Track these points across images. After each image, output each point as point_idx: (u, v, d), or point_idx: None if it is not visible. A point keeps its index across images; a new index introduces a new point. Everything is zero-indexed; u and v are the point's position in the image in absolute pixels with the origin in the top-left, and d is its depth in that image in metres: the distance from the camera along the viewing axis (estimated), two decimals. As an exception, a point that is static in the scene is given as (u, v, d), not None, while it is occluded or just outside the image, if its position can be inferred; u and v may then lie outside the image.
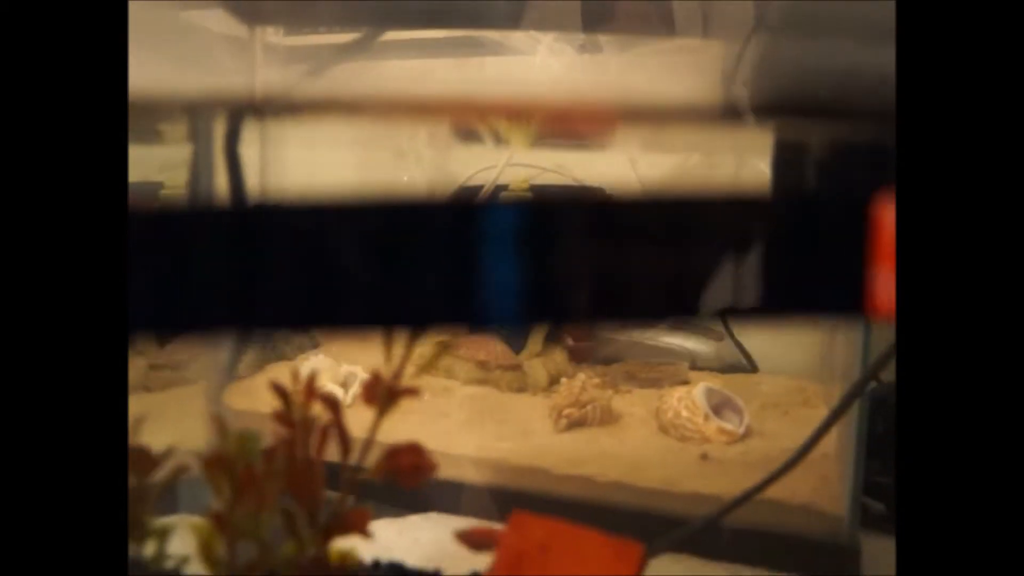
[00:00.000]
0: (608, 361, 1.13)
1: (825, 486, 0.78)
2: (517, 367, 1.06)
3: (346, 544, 0.52)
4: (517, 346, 1.09)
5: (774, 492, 0.74)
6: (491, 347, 1.07)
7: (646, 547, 0.50)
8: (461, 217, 0.25)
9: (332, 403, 0.49)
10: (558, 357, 1.11)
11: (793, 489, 0.77)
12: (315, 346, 1.14)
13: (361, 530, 0.49)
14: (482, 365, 1.06)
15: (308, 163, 0.71)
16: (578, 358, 1.12)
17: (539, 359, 1.09)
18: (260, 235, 0.28)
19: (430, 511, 0.81)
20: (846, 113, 0.49)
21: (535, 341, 1.11)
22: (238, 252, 0.28)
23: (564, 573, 0.48)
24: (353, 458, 0.49)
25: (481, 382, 1.05)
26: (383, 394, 0.49)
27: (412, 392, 0.48)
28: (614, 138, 1.03)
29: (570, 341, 1.13)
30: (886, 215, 0.30)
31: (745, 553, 0.72)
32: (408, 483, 0.49)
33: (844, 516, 0.74)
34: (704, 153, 0.97)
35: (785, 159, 0.51)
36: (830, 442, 0.78)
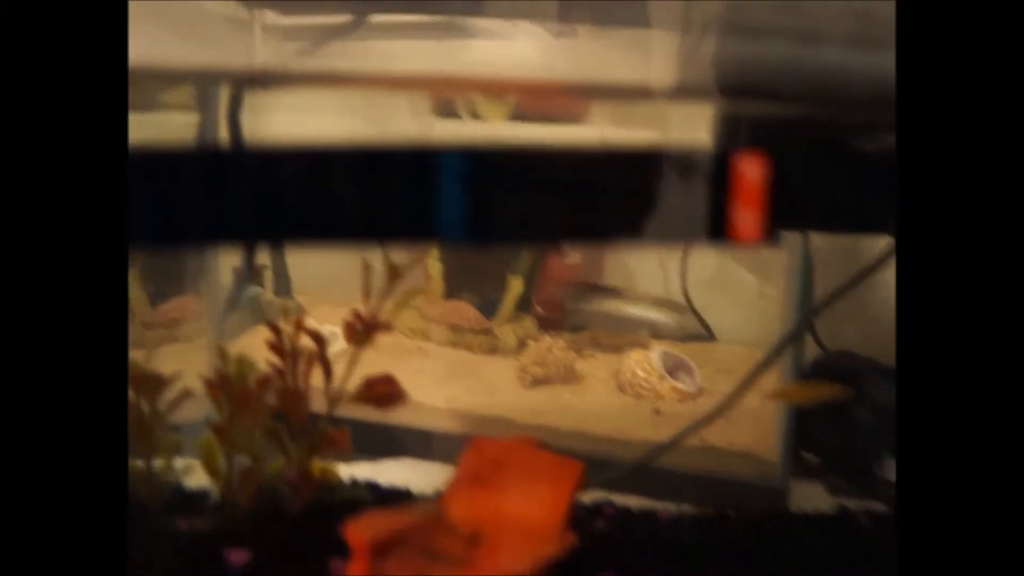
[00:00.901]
0: (574, 329, 1.20)
1: (762, 437, 0.86)
2: (488, 331, 1.14)
3: (327, 462, 0.60)
4: (489, 312, 1.17)
5: (719, 441, 0.84)
6: (465, 312, 1.15)
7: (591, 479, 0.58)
8: (422, 156, 0.33)
9: (317, 338, 0.57)
10: (527, 324, 1.18)
11: (734, 439, 0.85)
12: (300, 310, 1.21)
13: (341, 447, 0.57)
14: (455, 328, 1.13)
15: (299, 129, 0.78)
16: (546, 326, 1.20)
17: (509, 325, 1.16)
18: (254, 172, 0.35)
19: (404, 456, 0.88)
20: (776, 96, 0.57)
21: (506, 308, 1.18)
22: (237, 183, 0.35)
23: (515, 484, 0.56)
24: (336, 385, 0.57)
25: (454, 344, 1.13)
26: (361, 329, 0.56)
27: (387, 326, 0.56)
28: (586, 115, 1.10)
29: (539, 309, 1.21)
30: (744, 167, 0.38)
31: (692, 492, 0.80)
32: (383, 405, 0.56)
33: (777, 462, 0.82)
34: (662, 128, 1.04)
35: (720, 131, 0.59)
36: (769, 401, 0.87)
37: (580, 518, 0.61)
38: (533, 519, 0.55)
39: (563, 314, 1.25)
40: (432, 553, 0.54)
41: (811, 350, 1.02)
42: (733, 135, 0.58)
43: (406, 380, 0.57)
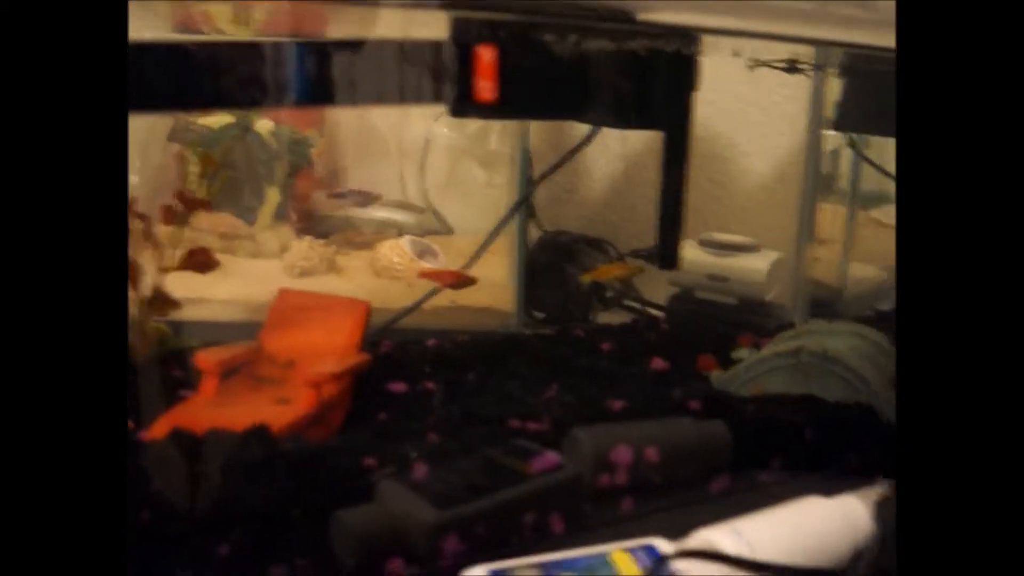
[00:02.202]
0: (327, 234, 1.34)
1: (500, 296, 1.06)
2: (251, 237, 1.26)
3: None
4: (250, 220, 1.28)
5: (467, 301, 1.02)
6: (230, 222, 1.26)
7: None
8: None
9: (144, 218, 0.69)
10: (285, 230, 1.31)
11: (480, 298, 1.05)
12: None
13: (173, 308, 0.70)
14: (224, 236, 1.24)
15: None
16: (302, 231, 1.33)
17: (270, 231, 1.29)
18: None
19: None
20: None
21: (264, 216, 1.31)
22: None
23: (317, 321, 0.71)
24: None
25: (224, 250, 1.24)
26: (181, 211, 0.69)
27: (205, 204, 0.69)
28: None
29: (294, 216, 1.34)
30: (480, 51, 0.54)
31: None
32: (202, 271, 0.70)
33: (513, 312, 1.03)
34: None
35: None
36: (503, 270, 1.07)
37: (371, 343, 0.78)
38: (334, 346, 0.71)
39: (316, 220, 1.39)
40: (258, 377, 0.69)
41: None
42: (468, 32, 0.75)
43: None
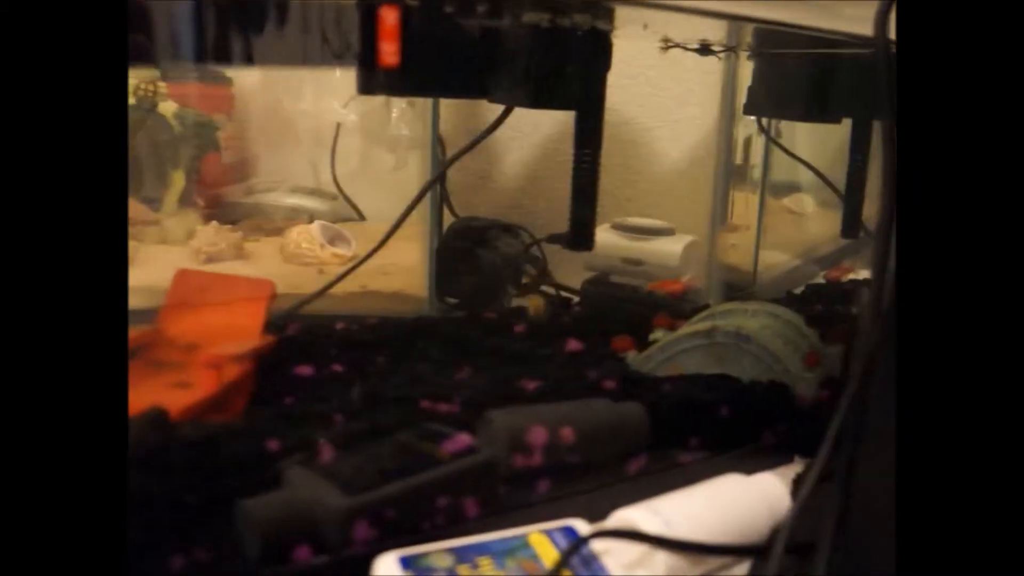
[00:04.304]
0: (235, 221, 1.31)
1: (412, 282, 1.04)
2: (157, 223, 1.22)
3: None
4: (155, 206, 1.24)
5: (380, 287, 1.00)
6: (134, 208, 1.21)
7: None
8: None
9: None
10: (191, 216, 1.27)
11: (390, 284, 1.02)
12: None
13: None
14: (128, 223, 1.20)
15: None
16: (209, 218, 1.29)
17: (176, 217, 1.25)
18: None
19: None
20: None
21: (169, 201, 1.26)
22: None
23: (217, 304, 0.68)
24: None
25: (130, 237, 1.19)
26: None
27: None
28: None
29: (200, 203, 1.30)
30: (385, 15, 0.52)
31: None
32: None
33: (425, 299, 1.01)
34: None
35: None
36: (415, 256, 1.05)
37: (277, 325, 0.75)
38: (237, 328, 0.68)
39: (224, 206, 1.35)
40: (156, 362, 0.65)
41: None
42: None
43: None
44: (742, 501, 0.56)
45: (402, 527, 0.53)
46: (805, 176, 1.24)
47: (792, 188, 1.32)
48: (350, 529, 0.52)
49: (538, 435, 0.59)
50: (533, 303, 0.97)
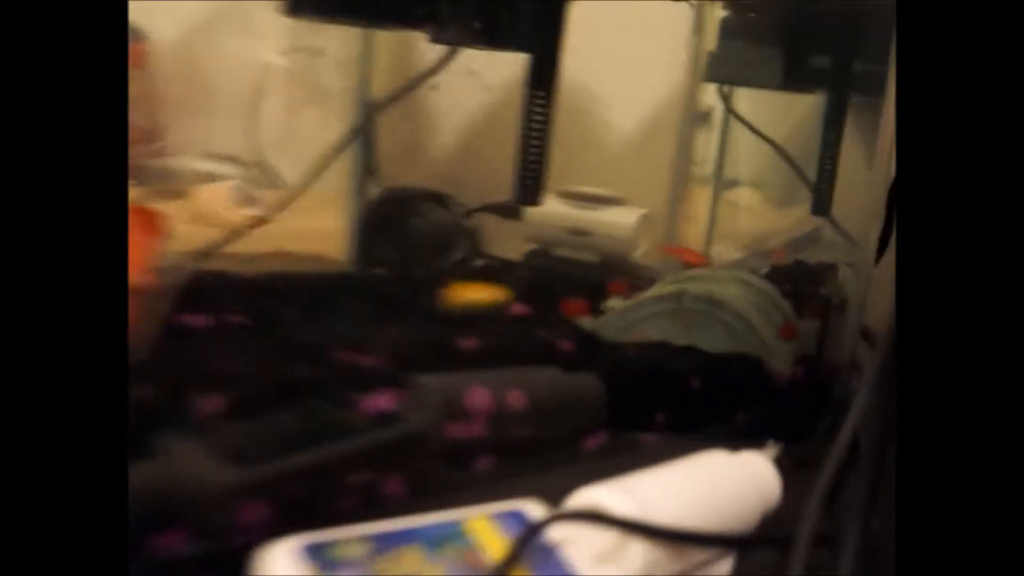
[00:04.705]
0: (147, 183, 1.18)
1: (332, 246, 0.93)
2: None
3: None
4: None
5: (294, 248, 0.89)
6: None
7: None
8: None
9: None
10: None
11: (308, 246, 0.91)
12: None
13: None
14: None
15: None
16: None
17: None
18: None
19: None
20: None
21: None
22: None
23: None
24: None
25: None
26: None
27: None
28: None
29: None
30: None
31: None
32: None
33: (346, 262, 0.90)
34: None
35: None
36: (338, 223, 0.95)
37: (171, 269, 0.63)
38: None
39: (131, 170, 1.22)
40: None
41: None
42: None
43: None
44: (730, 483, 0.46)
45: (306, 509, 0.42)
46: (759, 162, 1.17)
47: (738, 183, 1.24)
48: (237, 510, 0.40)
49: (479, 398, 0.48)
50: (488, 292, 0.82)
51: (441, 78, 1.14)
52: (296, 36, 1.22)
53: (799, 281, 0.79)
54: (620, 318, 0.66)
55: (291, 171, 1.28)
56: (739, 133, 1.11)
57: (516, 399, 0.50)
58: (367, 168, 1.06)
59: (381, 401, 0.46)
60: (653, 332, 0.65)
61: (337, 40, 1.08)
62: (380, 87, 1.03)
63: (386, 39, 1.02)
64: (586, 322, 0.68)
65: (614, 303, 0.70)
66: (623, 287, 0.72)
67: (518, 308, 0.69)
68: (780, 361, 0.67)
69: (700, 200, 1.12)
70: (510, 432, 0.50)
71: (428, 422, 0.48)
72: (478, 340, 0.57)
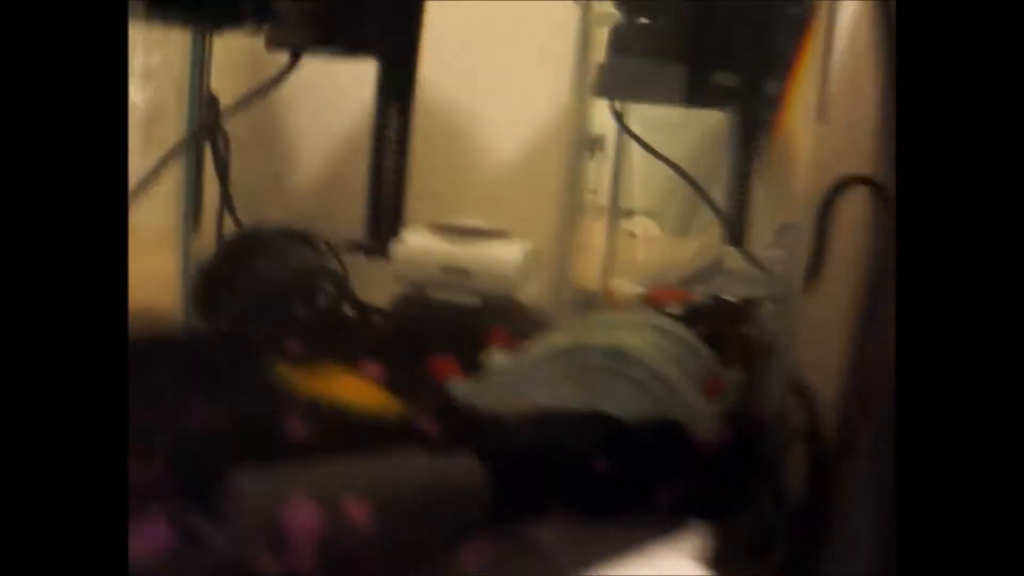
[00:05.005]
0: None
1: (164, 297, 0.78)
2: None
3: None
4: None
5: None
6: None
7: None
8: None
9: None
10: None
11: (136, 298, 0.75)
12: None
13: None
14: None
15: None
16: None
17: None
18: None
19: None
20: None
21: None
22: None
23: None
24: None
25: None
26: None
27: None
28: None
29: None
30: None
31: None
32: None
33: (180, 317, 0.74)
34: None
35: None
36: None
37: None
38: None
39: None
40: None
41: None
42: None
43: None
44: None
45: None
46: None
47: (634, 211, 1.14)
48: None
49: (303, 516, 0.34)
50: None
51: (308, 98, 1.01)
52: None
53: (717, 322, 0.67)
54: (503, 380, 0.52)
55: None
56: (633, 157, 1.01)
57: (359, 510, 0.35)
58: (194, 204, 0.91)
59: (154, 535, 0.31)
60: (545, 396, 0.52)
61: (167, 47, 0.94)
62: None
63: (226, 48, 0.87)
64: (460, 386, 0.54)
65: (497, 359, 0.56)
66: (504, 336, 0.58)
67: (372, 369, 0.54)
68: (703, 423, 0.55)
69: (593, 231, 1.00)
70: (352, 554, 0.36)
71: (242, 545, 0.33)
72: (313, 424, 0.43)
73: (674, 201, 1.04)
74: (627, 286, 1.01)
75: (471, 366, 0.55)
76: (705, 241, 0.97)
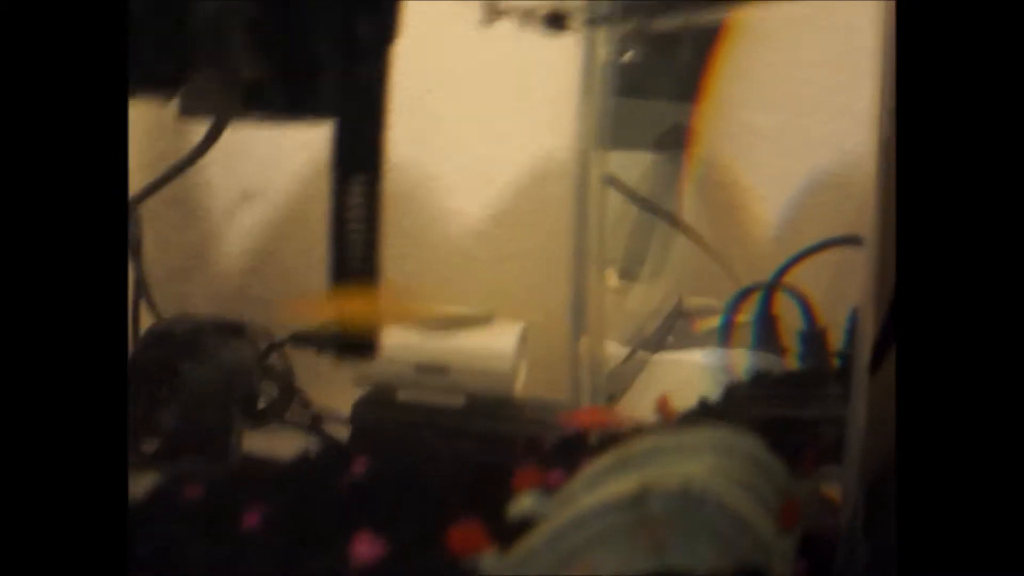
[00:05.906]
0: None
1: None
2: None
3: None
4: None
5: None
6: None
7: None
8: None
9: None
10: None
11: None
12: None
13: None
14: None
15: None
16: None
17: None
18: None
19: None
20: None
21: None
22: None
23: None
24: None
25: None
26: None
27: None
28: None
29: None
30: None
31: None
32: None
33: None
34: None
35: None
36: None
37: None
38: None
39: None
40: None
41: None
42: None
43: None
44: None
45: None
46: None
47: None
48: None
49: None
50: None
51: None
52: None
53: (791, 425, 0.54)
54: (552, 544, 0.38)
55: None
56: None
57: None
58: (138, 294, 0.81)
59: None
60: (607, 560, 0.38)
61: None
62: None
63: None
64: (490, 559, 0.40)
65: (526, 504, 0.43)
66: (535, 476, 0.44)
67: (363, 547, 0.39)
68: (781, 565, 0.43)
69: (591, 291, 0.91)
70: None
71: None
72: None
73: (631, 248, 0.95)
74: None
75: (495, 524, 0.41)
76: (662, 288, 0.91)
